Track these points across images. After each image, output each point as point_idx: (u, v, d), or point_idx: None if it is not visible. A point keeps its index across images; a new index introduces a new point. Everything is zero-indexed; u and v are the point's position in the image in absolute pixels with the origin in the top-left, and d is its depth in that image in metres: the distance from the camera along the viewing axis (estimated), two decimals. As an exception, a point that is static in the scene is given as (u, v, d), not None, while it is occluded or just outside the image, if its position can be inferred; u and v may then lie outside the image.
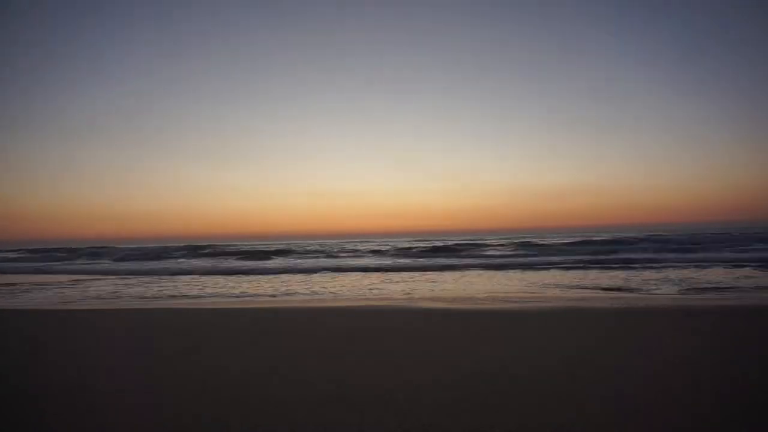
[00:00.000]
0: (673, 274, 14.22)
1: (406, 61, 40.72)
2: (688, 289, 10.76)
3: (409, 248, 33.18)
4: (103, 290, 13.19)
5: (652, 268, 16.47)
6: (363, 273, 17.97)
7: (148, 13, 35.47)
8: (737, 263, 17.17)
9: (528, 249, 30.30)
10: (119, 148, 48.67)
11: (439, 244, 37.84)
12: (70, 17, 35.61)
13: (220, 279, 16.50)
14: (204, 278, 16.92)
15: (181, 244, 41.55)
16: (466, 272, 16.96)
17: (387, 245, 39.10)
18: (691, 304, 8.53)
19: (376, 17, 35.86)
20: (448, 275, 15.93)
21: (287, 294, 11.78)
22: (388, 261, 24.67)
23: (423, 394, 3.55)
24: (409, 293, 11.18)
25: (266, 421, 3.08)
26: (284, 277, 16.98)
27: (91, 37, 37.44)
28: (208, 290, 12.89)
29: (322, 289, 12.53)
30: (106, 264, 27.28)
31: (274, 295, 11.49)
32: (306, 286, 13.40)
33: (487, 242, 39.26)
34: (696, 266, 16.67)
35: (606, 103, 42.06)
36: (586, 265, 18.04)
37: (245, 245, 43.87)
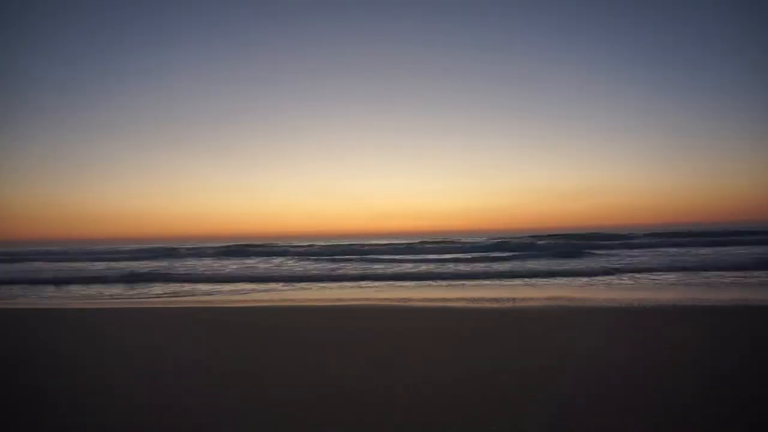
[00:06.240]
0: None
1: (421, 58, 40.61)
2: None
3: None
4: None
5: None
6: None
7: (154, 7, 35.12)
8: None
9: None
10: (121, 145, 48.42)
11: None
12: (74, 15, 35.34)
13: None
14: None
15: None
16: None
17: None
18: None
19: (390, 18, 35.83)
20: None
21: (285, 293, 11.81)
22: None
23: (422, 393, 3.58)
24: (409, 293, 11.23)
25: (267, 421, 3.12)
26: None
27: (93, 37, 37.18)
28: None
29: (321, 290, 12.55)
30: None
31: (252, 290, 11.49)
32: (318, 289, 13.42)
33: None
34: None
35: (615, 104, 42.08)
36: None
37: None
